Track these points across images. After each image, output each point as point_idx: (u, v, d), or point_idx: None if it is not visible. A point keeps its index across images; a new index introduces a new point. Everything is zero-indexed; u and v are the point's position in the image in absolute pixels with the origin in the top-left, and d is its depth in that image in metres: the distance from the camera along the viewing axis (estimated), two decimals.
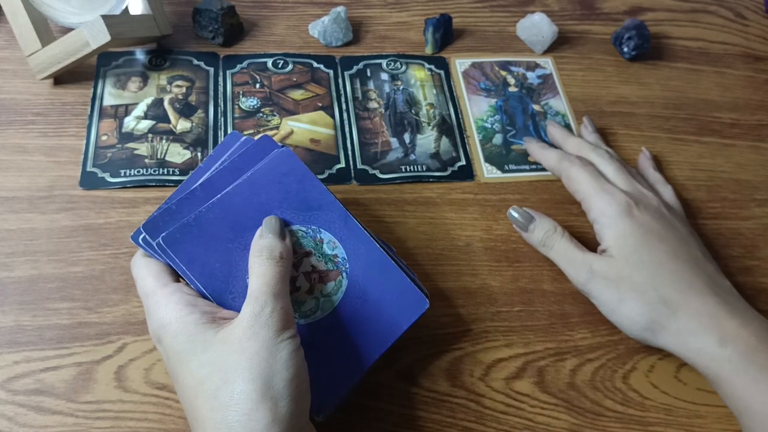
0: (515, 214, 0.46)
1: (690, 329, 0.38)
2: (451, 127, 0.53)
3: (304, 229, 0.37)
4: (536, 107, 0.55)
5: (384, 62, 0.56)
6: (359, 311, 0.37)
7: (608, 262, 0.41)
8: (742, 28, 0.66)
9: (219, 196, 0.36)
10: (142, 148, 0.48)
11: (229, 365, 0.30)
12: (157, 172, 0.47)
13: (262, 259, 0.34)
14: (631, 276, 0.40)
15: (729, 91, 0.60)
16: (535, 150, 0.50)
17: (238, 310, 0.32)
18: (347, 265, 0.37)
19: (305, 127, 0.51)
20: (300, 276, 0.37)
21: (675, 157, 0.54)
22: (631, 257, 0.40)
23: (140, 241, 0.35)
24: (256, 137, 0.42)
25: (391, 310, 0.37)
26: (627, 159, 0.53)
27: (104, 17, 0.47)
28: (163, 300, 0.33)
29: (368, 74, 0.55)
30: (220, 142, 0.49)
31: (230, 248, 0.35)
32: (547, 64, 0.59)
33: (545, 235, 0.44)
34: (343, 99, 0.53)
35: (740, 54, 0.64)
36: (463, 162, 0.51)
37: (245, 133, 0.50)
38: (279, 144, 0.38)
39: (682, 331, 0.38)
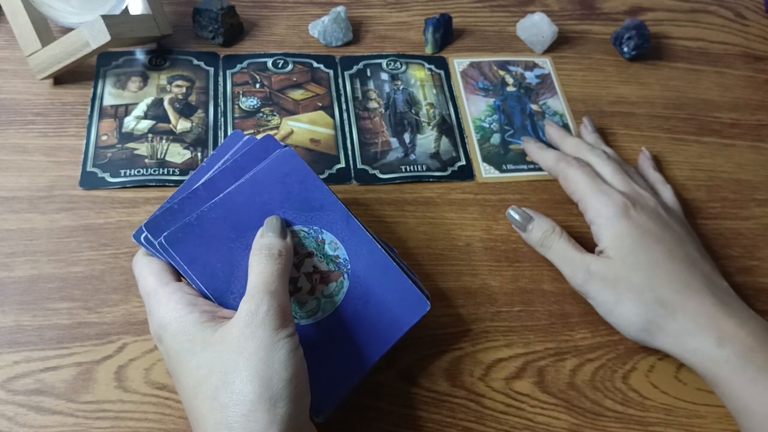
0: (514, 215, 0.46)
1: (687, 330, 0.38)
2: (451, 127, 0.53)
3: (306, 229, 0.37)
4: (534, 107, 0.55)
5: (384, 62, 0.56)
6: (360, 312, 0.37)
7: (605, 263, 0.41)
8: (742, 28, 0.66)
9: (221, 195, 0.36)
10: (142, 148, 0.48)
11: (227, 365, 0.30)
12: (157, 172, 0.47)
13: (260, 257, 0.34)
14: (628, 277, 0.40)
15: (729, 91, 0.60)
16: (533, 150, 0.50)
17: None
18: (349, 266, 0.37)
19: (305, 127, 0.51)
20: (301, 276, 0.37)
21: (675, 157, 0.54)
22: (628, 258, 0.40)
23: (142, 239, 0.35)
24: (259, 137, 0.41)
25: (392, 312, 0.37)
26: (627, 159, 0.53)
27: (104, 17, 0.47)
28: (163, 299, 0.33)
29: (368, 74, 0.55)
30: (221, 142, 0.49)
31: (232, 248, 0.35)
32: (546, 63, 0.59)
33: (543, 236, 0.44)
34: (343, 99, 0.53)
35: (740, 54, 0.64)
36: (463, 162, 0.51)
37: (246, 133, 0.50)
38: (281, 144, 0.38)
39: (680, 331, 0.38)
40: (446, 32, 0.58)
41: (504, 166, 0.51)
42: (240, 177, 0.37)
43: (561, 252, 0.43)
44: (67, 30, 0.49)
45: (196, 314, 0.32)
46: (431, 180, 0.49)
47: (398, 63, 0.57)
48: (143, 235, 0.35)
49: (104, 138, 0.48)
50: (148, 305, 0.34)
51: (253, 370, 0.29)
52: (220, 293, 0.35)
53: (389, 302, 0.37)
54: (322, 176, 0.48)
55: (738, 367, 0.36)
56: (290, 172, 0.37)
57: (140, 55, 0.54)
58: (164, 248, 0.35)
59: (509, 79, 0.57)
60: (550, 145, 0.51)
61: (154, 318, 0.33)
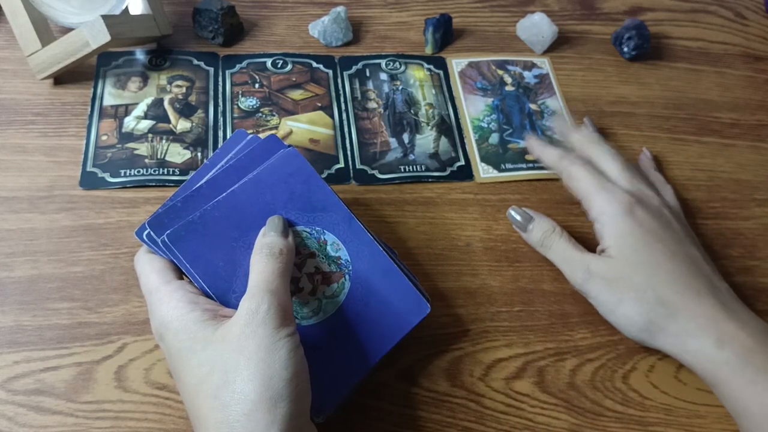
0: (514, 215, 0.46)
1: (688, 331, 0.38)
2: (450, 128, 0.53)
3: (308, 230, 0.37)
4: (533, 106, 0.55)
5: (383, 62, 0.56)
6: (361, 314, 0.37)
7: (607, 263, 0.41)
8: (742, 28, 0.66)
9: (224, 194, 0.36)
10: (142, 148, 0.48)
11: (228, 364, 0.30)
12: (157, 172, 0.47)
13: (261, 256, 0.34)
14: (630, 276, 0.40)
15: (729, 91, 0.60)
16: (536, 147, 0.49)
17: None
18: (350, 267, 0.37)
19: (304, 127, 0.51)
20: (303, 277, 0.37)
21: (675, 157, 0.54)
22: (631, 257, 0.40)
23: (144, 237, 0.35)
24: (262, 135, 0.41)
25: (393, 314, 0.37)
26: (627, 159, 0.53)
27: (104, 17, 0.47)
28: (165, 297, 0.33)
29: (367, 74, 0.55)
30: (221, 142, 0.49)
31: (234, 247, 0.35)
32: (544, 63, 0.59)
33: (544, 235, 0.44)
34: (342, 99, 0.53)
35: (740, 54, 0.64)
36: (462, 162, 0.51)
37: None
38: (285, 144, 0.38)
39: (680, 332, 0.38)
40: (446, 32, 0.58)
41: (502, 166, 0.51)
42: (243, 176, 0.36)
43: (561, 252, 0.43)
44: (67, 30, 0.49)
45: (197, 312, 0.32)
46: (430, 180, 0.49)
47: (397, 63, 0.56)
48: (146, 233, 0.35)
49: (104, 138, 0.48)
50: (150, 303, 0.34)
51: (254, 369, 0.29)
52: (222, 292, 0.35)
53: (390, 304, 0.37)
54: (320, 176, 0.48)
55: (738, 369, 0.36)
56: (294, 172, 0.37)
57: (140, 55, 0.54)
58: (167, 246, 0.35)
59: (508, 79, 0.57)
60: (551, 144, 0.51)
61: (156, 316, 0.33)
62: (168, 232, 0.35)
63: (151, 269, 0.35)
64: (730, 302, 0.39)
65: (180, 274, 0.35)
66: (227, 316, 0.33)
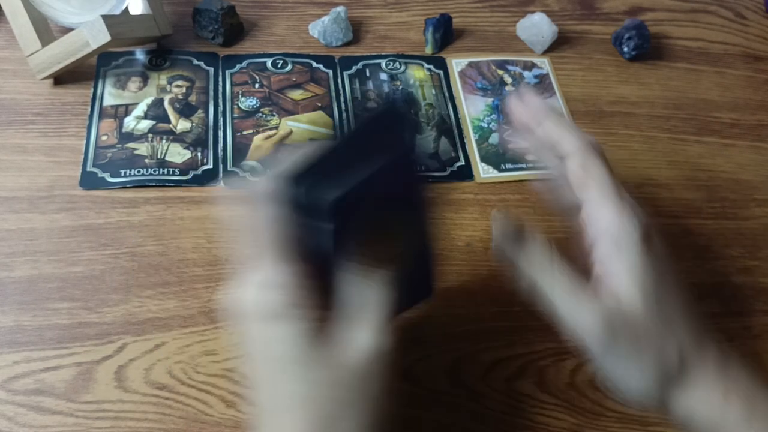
0: (498, 232, 0.33)
1: (697, 385, 0.31)
2: (450, 128, 0.53)
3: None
4: None
5: (383, 62, 0.56)
6: None
7: (629, 313, 0.30)
8: (742, 28, 0.66)
9: (373, 171, 0.28)
10: (142, 148, 0.48)
11: (335, 398, 0.26)
12: (157, 172, 0.47)
13: (382, 285, 0.28)
14: (652, 329, 0.30)
15: (729, 91, 0.60)
16: (522, 113, 0.35)
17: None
18: None
19: (304, 127, 0.51)
20: None
21: (675, 157, 0.54)
22: (651, 302, 0.30)
23: (280, 190, 0.27)
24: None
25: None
26: (627, 159, 0.53)
27: (104, 17, 0.47)
28: (263, 282, 0.27)
29: (367, 74, 0.55)
30: (221, 142, 0.49)
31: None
32: (544, 64, 0.59)
33: (539, 267, 0.32)
34: (342, 99, 0.53)
35: (740, 54, 0.64)
36: (462, 162, 0.51)
37: (245, 132, 0.50)
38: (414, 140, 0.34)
39: (689, 387, 0.31)
40: (446, 32, 0.58)
41: (502, 166, 0.51)
42: (375, 164, 0.29)
43: (564, 295, 0.31)
44: (67, 30, 0.49)
45: (300, 321, 0.26)
46: (430, 180, 0.49)
47: (397, 63, 0.56)
48: (282, 185, 0.27)
49: (104, 138, 0.48)
50: (244, 276, 0.27)
51: (366, 414, 0.26)
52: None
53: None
54: None
55: (742, 419, 0.32)
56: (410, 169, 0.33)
57: (140, 55, 0.54)
58: (330, 215, 0.27)
59: (508, 79, 0.57)
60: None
61: (249, 297, 0.27)
62: (336, 196, 0.26)
63: (269, 236, 0.27)
64: (714, 339, 0.33)
65: (292, 254, 0.27)
66: (335, 335, 0.27)
